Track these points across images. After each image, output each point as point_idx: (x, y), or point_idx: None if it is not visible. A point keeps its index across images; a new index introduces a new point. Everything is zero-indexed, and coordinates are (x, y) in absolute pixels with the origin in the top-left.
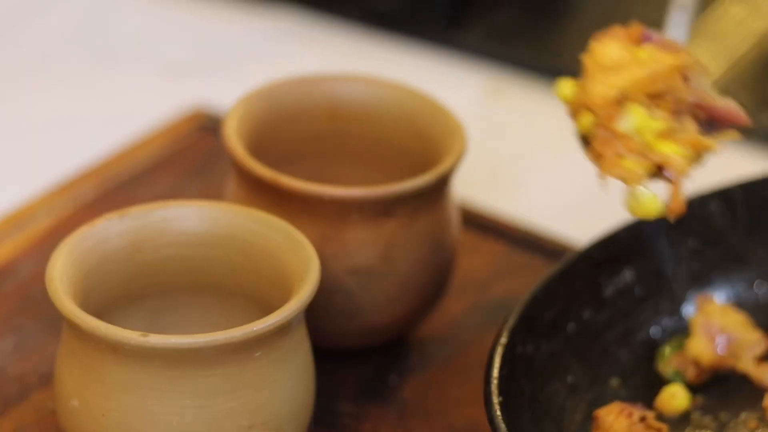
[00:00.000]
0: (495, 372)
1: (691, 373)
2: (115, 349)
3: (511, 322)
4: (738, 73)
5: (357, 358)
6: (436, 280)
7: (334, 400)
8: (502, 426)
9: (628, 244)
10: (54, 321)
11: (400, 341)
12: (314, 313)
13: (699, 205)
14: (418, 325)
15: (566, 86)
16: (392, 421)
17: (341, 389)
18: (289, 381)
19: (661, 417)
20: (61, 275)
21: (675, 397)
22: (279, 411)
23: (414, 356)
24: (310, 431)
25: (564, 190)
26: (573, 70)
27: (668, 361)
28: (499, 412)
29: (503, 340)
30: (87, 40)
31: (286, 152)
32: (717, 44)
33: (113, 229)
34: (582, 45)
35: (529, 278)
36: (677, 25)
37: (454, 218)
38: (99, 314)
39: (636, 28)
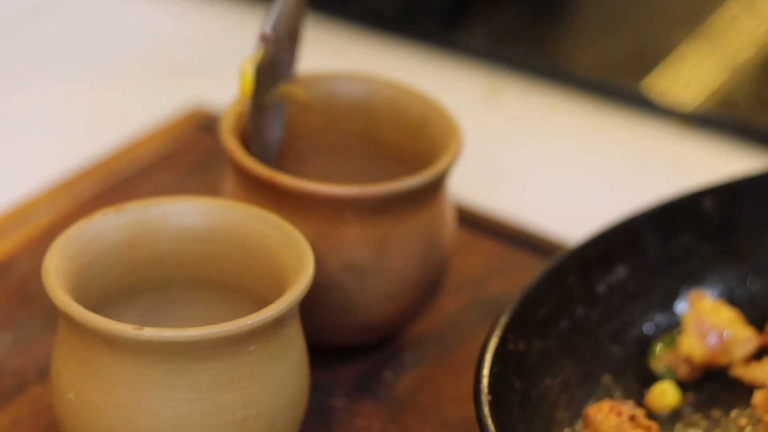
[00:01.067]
0: (485, 370)
1: (682, 370)
2: (110, 342)
3: (503, 319)
4: (737, 75)
5: (352, 355)
6: (431, 278)
7: (329, 395)
8: (491, 425)
9: (620, 241)
10: (52, 316)
11: (396, 338)
12: (310, 310)
13: (692, 201)
14: (413, 323)
15: None
16: (386, 417)
17: (336, 385)
18: (283, 375)
19: (651, 414)
20: (57, 269)
21: (665, 394)
22: (273, 404)
23: (409, 353)
24: (305, 426)
25: (560, 190)
26: (570, 71)
27: (660, 358)
28: (488, 411)
29: (495, 338)
30: (87, 40)
31: (283, 150)
32: (717, 47)
33: (110, 223)
34: (579, 47)
35: (524, 277)
36: None
37: (450, 217)
38: (96, 309)
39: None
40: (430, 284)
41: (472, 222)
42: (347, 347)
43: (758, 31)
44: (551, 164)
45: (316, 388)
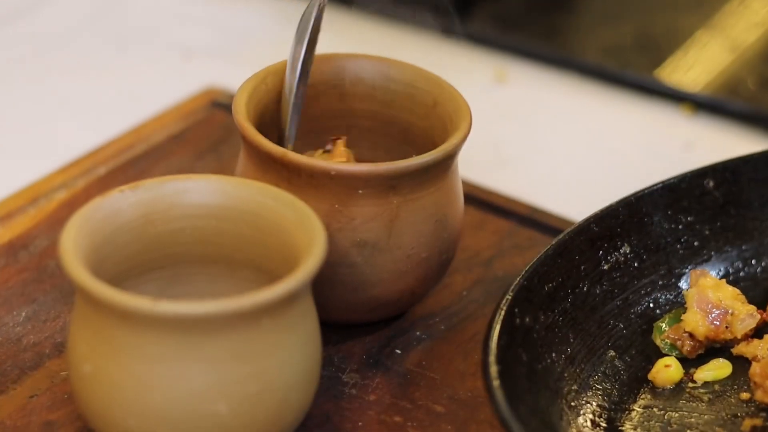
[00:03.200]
0: (494, 341)
1: (686, 346)
2: (126, 316)
3: (510, 294)
4: (744, 59)
5: (363, 331)
6: (441, 255)
7: (340, 371)
8: (500, 393)
9: (625, 218)
10: (67, 292)
11: (406, 315)
12: (321, 287)
13: (696, 181)
14: (423, 300)
15: None
16: (396, 392)
17: (347, 361)
18: (295, 350)
19: (655, 389)
20: (74, 245)
21: (669, 370)
22: (286, 379)
23: (419, 330)
24: (316, 400)
25: (567, 173)
26: (577, 56)
27: (665, 334)
28: (497, 380)
29: (502, 311)
30: (103, 22)
31: (297, 129)
32: (723, 31)
33: (126, 200)
34: (587, 33)
35: (532, 256)
36: None
37: (459, 196)
38: (112, 284)
39: None
40: (440, 262)
41: (482, 202)
42: (358, 324)
43: (765, 14)
44: (559, 147)
45: (328, 363)
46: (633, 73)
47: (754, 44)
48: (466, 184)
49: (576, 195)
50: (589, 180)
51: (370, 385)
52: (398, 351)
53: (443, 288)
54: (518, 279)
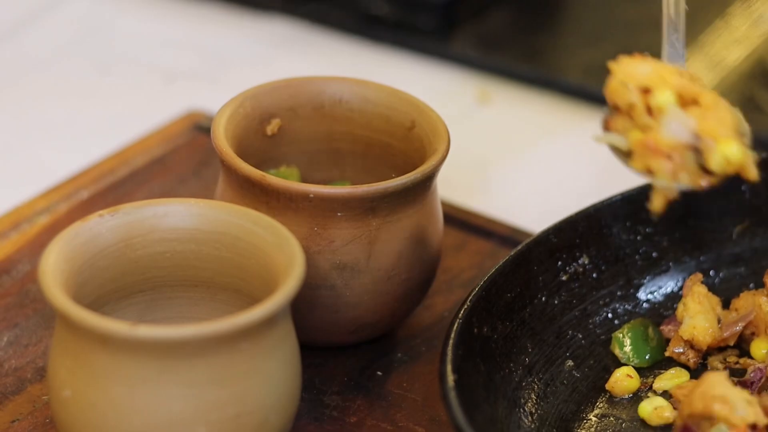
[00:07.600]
0: (450, 351)
1: (690, 356)
2: (105, 340)
3: (468, 304)
4: (725, 80)
5: (344, 353)
6: (421, 277)
7: (321, 393)
8: (456, 402)
9: (584, 230)
10: (49, 317)
11: (386, 337)
12: (301, 309)
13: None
14: (404, 321)
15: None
16: (377, 415)
17: (328, 383)
18: (275, 372)
19: (613, 398)
20: (53, 269)
21: (627, 379)
22: (265, 402)
23: (400, 351)
24: (297, 423)
25: (549, 192)
26: (559, 77)
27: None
28: (453, 390)
29: (460, 320)
30: (85, 46)
31: (275, 153)
32: (705, 52)
33: (105, 225)
34: (569, 54)
35: None
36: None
37: (439, 217)
38: (92, 308)
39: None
40: (420, 283)
41: (463, 222)
42: (339, 346)
43: (747, 36)
44: (543, 167)
45: (309, 386)
46: None
47: (735, 62)
48: (446, 205)
49: (559, 215)
50: (571, 200)
51: (351, 407)
52: (379, 373)
53: (424, 309)
54: (476, 289)
